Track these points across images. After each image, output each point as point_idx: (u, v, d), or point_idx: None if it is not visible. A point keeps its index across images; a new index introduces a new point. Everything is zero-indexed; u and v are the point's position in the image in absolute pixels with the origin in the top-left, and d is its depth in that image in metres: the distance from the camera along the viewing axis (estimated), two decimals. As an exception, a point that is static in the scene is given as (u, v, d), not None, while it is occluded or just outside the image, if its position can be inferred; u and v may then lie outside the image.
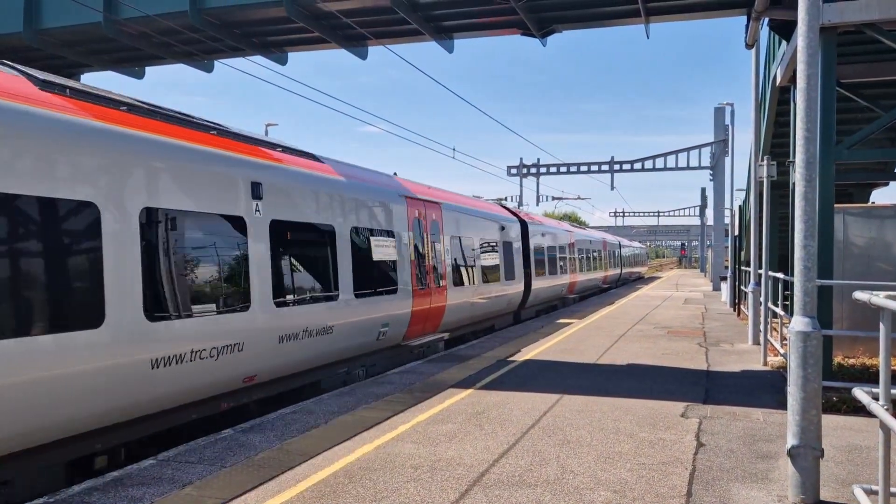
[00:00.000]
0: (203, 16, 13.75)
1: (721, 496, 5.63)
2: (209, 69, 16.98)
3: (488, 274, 17.70)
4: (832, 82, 9.30)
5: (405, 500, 5.53)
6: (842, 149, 9.63)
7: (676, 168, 42.70)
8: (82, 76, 17.96)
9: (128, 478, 6.07)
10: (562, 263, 27.10)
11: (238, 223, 8.44)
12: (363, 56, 15.95)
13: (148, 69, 17.56)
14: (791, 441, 5.46)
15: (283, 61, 16.38)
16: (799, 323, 5.50)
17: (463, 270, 15.87)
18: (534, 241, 22.90)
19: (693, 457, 6.68)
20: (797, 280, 5.58)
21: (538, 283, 22.97)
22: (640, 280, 56.67)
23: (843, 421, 8.15)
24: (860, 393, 4.75)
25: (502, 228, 19.26)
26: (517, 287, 20.44)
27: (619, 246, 46.84)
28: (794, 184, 11.21)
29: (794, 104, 11.19)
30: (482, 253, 17.39)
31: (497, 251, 18.60)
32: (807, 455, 5.40)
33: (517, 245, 20.85)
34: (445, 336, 14.70)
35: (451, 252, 15.21)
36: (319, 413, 8.46)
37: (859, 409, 7.96)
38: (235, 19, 14.24)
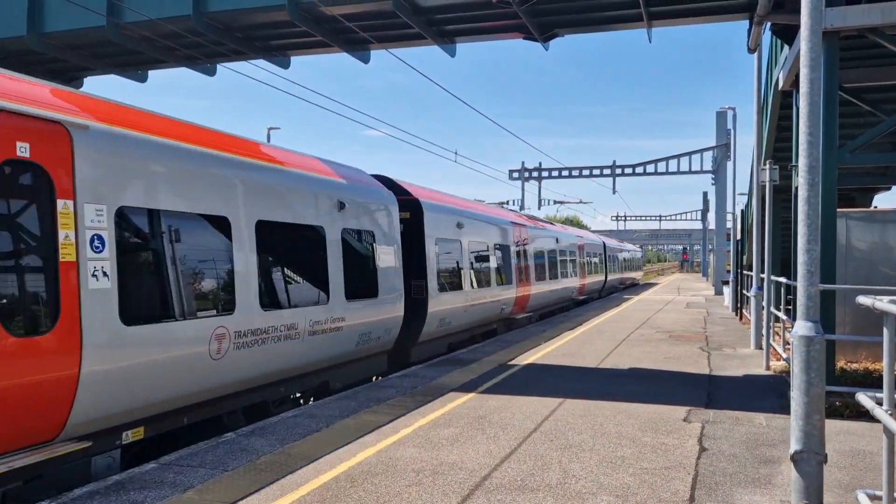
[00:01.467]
0: (206, 19, 13.79)
1: (724, 501, 5.62)
2: (212, 73, 17.03)
3: (293, 290, 9.65)
4: (835, 86, 9.30)
5: (407, 505, 5.52)
6: (844, 153, 9.63)
7: (678, 172, 42.61)
8: (85, 79, 18.02)
9: (129, 481, 6.07)
10: (502, 269, 18.96)
11: None
12: (365, 60, 15.98)
13: (151, 72, 17.62)
14: (794, 446, 5.44)
15: (285, 65, 16.41)
16: (802, 327, 5.49)
17: (180, 287, 7.45)
18: (438, 234, 14.72)
19: (696, 461, 6.67)
20: (800, 284, 5.57)
21: (444, 303, 14.65)
22: (634, 287, 49.69)
23: (846, 426, 8.14)
24: (864, 398, 4.73)
25: (342, 207, 10.91)
26: (388, 311, 12.32)
27: (604, 247, 38.97)
28: (796, 188, 11.23)
29: (797, 108, 11.22)
30: (276, 251, 9.31)
31: (325, 247, 10.43)
32: (810, 460, 5.38)
33: (392, 238, 12.76)
34: (131, 437, 7.03)
35: (118, 247, 6.67)
36: (321, 417, 8.46)
37: (862, 414, 7.95)
38: (238, 23, 14.27)
